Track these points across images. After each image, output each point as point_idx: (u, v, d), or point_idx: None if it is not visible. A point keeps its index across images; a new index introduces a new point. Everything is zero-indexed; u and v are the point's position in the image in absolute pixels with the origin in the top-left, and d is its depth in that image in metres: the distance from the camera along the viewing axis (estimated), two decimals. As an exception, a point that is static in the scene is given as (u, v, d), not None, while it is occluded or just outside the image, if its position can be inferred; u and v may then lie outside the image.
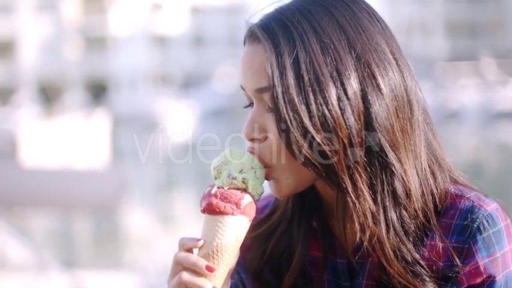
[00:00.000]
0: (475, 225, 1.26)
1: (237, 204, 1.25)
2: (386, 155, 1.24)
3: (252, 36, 1.29)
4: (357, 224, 1.25)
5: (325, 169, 1.23)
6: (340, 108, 1.21)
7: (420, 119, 1.28)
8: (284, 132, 1.22)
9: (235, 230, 1.26)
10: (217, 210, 1.25)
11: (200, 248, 1.25)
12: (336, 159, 1.22)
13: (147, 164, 18.74)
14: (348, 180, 1.23)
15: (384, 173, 1.24)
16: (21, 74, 48.32)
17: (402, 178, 1.25)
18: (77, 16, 50.96)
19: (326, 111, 1.21)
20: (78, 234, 12.85)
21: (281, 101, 1.21)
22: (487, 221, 1.26)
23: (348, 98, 1.21)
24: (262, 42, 1.25)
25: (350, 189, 1.24)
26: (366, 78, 1.23)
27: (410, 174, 1.26)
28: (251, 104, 1.31)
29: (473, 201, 1.28)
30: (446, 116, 33.03)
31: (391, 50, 1.26)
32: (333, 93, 1.21)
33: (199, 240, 1.25)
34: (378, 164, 1.24)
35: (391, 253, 1.26)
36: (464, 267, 1.26)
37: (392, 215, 1.26)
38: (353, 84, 1.22)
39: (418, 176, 1.28)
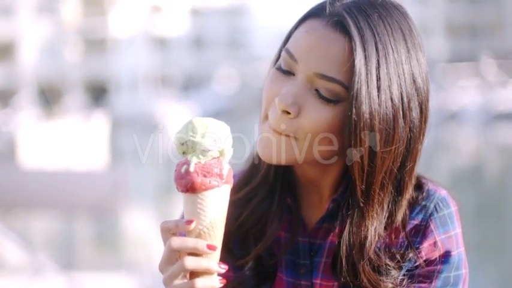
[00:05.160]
0: (432, 205, 1.40)
1: (220, 176, 1.22)
2: (406, 180, 1.36)
3: (338, 23, 1.32)
4: (362, 233, 1.34)
5: (367, 171, 1.32)
6: (398, 128, 1.32)
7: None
8: (349, 127, 1.30)
9: (223, 201, 1.24)
10: (204, 187, 1.21)
11: None
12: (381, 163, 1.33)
13: (146, 166, 18.73)
14: (377, 190, 1.33)
15: (395, 198, 1.37)
16: (21, 76, 48.31)
17: (402, 204, 1.38)
18: (76, 18, 50.96)
19: (391, 121, 1.31)
20: (76, 235, 12.83)
21: (361, 103, 1.29)
22: (442, 202, 1.41)
23: (410, 119, 1.34)
24: (354, 39, 1.30)
25: (376, 200, 1.34)
26: (417, 106, 1.35)
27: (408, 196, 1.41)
28: (285, 72, 1.35)
29: (428, 186, 1.43)
30: (446, 117, 33.04)
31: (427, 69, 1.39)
32: (400, 109, 1.33)
33: (191, 221, 1.22)
34: (397, 187, 1.37)
35: (368, 265, 1.36)
36: (423, 242, 1.38)
37: (381, 231, 1.37)
38: (413, 110, 1.34)
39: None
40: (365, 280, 1.34)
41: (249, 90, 45.84)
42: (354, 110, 1.28)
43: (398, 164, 1.34)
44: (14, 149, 20.83)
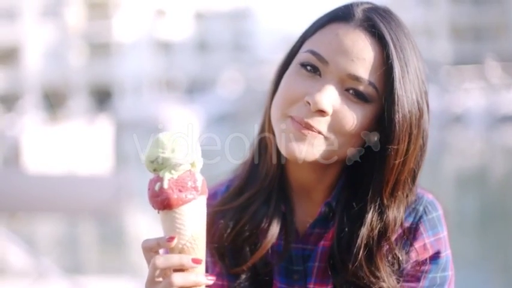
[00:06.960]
0: (421, 208, 1.44)
1: (195, 188, 1.21)
2: (417, 179, 1.42)
3: (370, 28, 1.38)
4: (384, 224, 1.39)
5: (400, 170, 1.38)
6: (422, 128, 1.40)
7: None
8: (393, 127, 1.35)
9: (201, 212, 1.22)
10: (181, 202, 1.19)
11: None
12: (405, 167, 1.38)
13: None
14: (401, 187, 1.39)
15: (408, 195, 1.43)
16: (25, 80, 48.40)
17: (409, 201, 1.44)
18: (81, 22, 51.05)
19: (417, 120, 1.39)
20: (80, 239, 12.84)
21: (404, 104, 1.36)
22: (430, 205, 1.45)
23: (427, 118, 1.42)
24: (388, 44, 1.37)
25: (397, 196, 1.39)
26: (426, 108, 1.42)
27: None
28: (311, 71, 1.37)
29: (416, 190, 1.46)
30: (451, 119, 33.01)
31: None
32: (421, 109, 1.40)
33: (172, 238, 1.21)
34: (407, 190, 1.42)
35: (385, 256, 1.40)
36: (413, 244, 1.41)
37: (398, 223, 1.42)
38: (425, 112, 1.41)
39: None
40: (381, 271, 1.37)
41: (253, 93, 45.87)
42: (399, 111, 1.35)
43: (416, 162, 1.41)
44: (18, 153, 20.85)
